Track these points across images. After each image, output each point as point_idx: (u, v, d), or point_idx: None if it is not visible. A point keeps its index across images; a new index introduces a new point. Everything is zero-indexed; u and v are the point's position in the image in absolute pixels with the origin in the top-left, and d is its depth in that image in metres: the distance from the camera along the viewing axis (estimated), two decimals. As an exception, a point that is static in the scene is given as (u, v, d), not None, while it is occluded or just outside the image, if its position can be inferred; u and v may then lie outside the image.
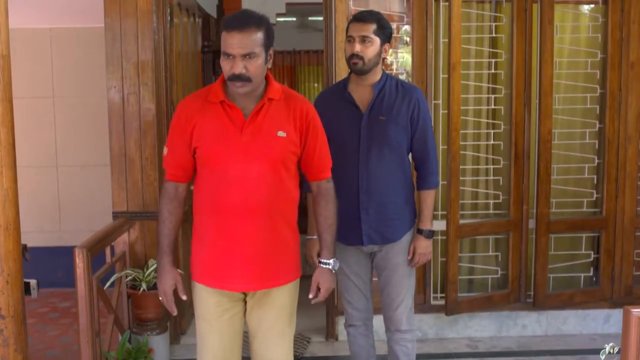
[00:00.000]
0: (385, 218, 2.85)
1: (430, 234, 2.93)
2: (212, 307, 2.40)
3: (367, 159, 2.80)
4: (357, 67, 2.77)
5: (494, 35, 4.02)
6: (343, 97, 2.86)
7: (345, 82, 2.91)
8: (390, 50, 2.97)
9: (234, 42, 2.17)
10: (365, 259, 2.96)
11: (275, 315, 2.42)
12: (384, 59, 2.87)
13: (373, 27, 2.75)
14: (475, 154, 4.08)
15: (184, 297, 2.43)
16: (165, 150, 2.41)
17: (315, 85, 12.17)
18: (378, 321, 3.10)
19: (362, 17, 2.79)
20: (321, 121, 2.69)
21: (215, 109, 2.30)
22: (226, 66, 2.19)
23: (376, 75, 2.83)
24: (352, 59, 2.77)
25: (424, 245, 2.91)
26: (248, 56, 2.18)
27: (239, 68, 2.17)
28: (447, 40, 3.75)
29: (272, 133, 2.31)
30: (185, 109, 2.35)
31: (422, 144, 2.87)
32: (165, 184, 2.42)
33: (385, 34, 2.79)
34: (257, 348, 2.46)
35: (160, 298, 2.43)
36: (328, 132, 2.83)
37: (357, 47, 2.75)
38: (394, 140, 2.80)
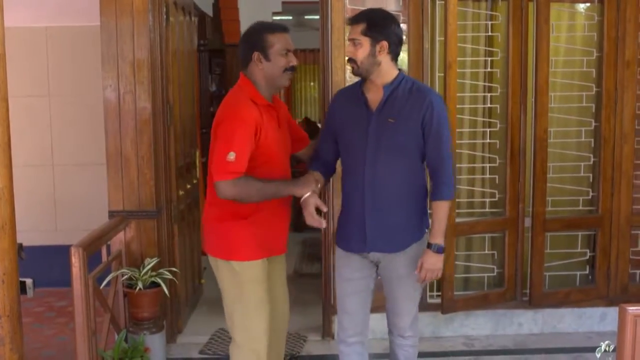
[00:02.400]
0: (388, 225, 2.70)
1: (440, 250, 2.67)
2: None
3: (374, 162, 2.66)
4: (353, 71, 2.70)
5: (490, 33, 4.02)
6: (356, 96, 2.75)
7: (362, 81, 2.80)
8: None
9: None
10: (369, 266, 2.81)
11: None
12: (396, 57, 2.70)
13: (361, 27, 2.61)
14: (471, 152, 4.08)
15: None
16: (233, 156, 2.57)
17: (312, 84, 12.17)
18: (375, 320, 3.08)
19: (351, 19, 2.69)
20: (334, 118, 2.85)
21: (267, 111, 2.73)
22: None
23: (387, 76, 2.68)
24: (348, 63, 2.72)
25: (432, 261, 2.66)
26: None
27: None
28: (443, 38, 3.75)
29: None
30: (255, 113, 2.66)
31: (436, 151, 2.66)
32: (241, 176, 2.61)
33: (378, 32, 2.61)
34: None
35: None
36: (339, 130, 2.82)
37: (348, 51, 2.68)
38: (402, 144, 2.65)
